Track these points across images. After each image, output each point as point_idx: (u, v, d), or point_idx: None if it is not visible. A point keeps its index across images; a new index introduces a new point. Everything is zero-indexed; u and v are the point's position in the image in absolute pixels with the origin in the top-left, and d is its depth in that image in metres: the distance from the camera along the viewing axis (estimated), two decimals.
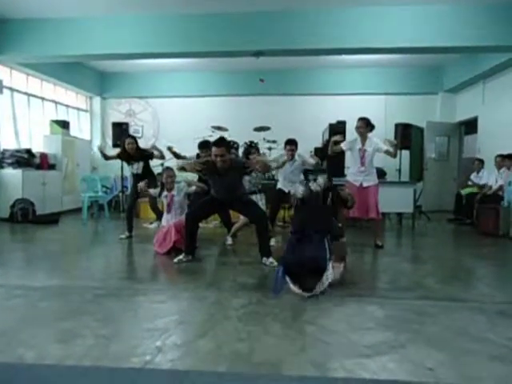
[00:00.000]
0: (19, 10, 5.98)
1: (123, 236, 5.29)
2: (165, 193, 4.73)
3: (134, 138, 5.51)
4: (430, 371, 1.86)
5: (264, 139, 7.68)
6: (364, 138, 4.72)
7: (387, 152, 4.66)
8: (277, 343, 2.15)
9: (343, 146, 4.81)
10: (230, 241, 5.01)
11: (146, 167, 5.49)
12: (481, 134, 7.93)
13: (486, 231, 5.77)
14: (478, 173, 7.23)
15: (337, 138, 4.80)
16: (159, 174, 6.67)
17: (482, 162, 7.21)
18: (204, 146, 5.19)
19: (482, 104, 7.80)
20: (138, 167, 5.42)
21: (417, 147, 7.91)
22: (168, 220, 4.66)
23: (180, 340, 2.19)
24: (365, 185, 4.70)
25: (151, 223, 6.25)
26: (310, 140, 7.47)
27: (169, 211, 4.69)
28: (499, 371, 1.87)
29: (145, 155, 5.46)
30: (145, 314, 2.65)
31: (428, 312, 2.63)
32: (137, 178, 5.42)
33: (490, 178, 6.81)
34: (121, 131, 7.35)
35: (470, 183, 7.33)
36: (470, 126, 8.59)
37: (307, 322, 2.45)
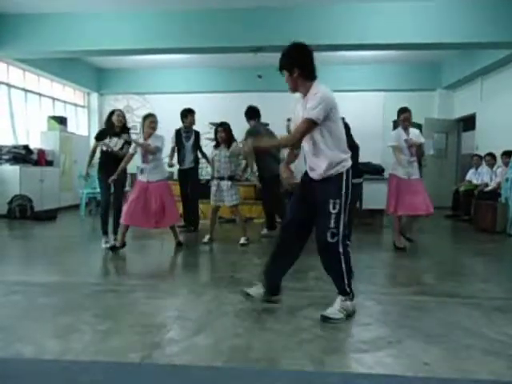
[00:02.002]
0: (16, 4, 5.92)
1: (106, 245, 4.42)
2: (141, 140, 4.27)
3: (123, 112, 4.79)
4: (426, 366, 1.87)
5: None
6: (407, 130, 4.56)
7: (420, 146, 4.55)
8: (274, 339, 2.16)
9: (394, 143, 4.56)
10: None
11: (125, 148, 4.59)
12: (478, 131, 7.94)
13: (483, 228, 5.80)
14: (476, 169, 7.25)
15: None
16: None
17: (480, 157, 7.23)
18: (187, 112, 5.42)
19: (480, 101, 7.81)
20: (117, 143, 4.49)
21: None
22: (145, 173, 4.23)
23: (178, 336, 2.20)
24: (413, 177, 4.51)
25: None
26: None
27: (145, 161, 4.25)
28: (494, 366, 1.88)
29: (129, 136, 4.63)
30: (143, 309, 2.66)
31: (425, 308, 2.65)
32: (109, 156, 4.48)
33: (487, 174, 6.87)
34: None
35: (467, 182, 7.35)
36: (468, 122, 8.60)
37: (304, 317, 2.46)
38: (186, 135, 5.47)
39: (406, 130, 4.56)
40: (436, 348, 2.05)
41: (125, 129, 4.68)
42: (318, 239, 2.41)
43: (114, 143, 4.49)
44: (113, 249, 4.21)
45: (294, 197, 2.66)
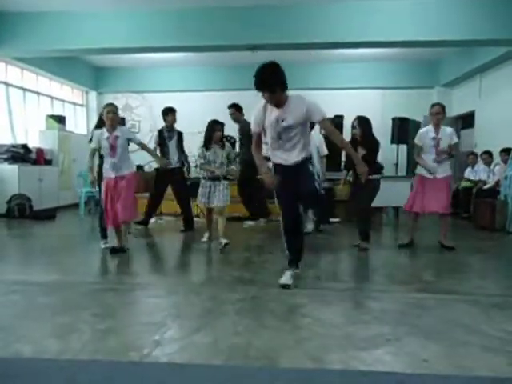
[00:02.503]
0: (14, 2, 5.90)
1: (106, 245, 4.37)
2: (106, 134, 3.95)
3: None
4: (425, 363, 1.87)
5: None
6: (438, 127, 4.30)
7: (452, 146, 4.31)
8: (273, 337, 2.16)
9: (416, 141, 4.43)
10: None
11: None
12: (477, 129, 7.93)
13: (482, 225, 5.80)
14: (472, 167, 7.26)
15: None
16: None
17: (476, 156, 7.25)
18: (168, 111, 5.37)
19: (479, 98, 7.80)
20: None
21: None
22: (114, 168, 3.97)
23: (177, 334, 2.20)
24: (439, 176, 4.30)
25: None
26: None
27: (113, 155, 3.93)
28: (492, 362, 1.89)
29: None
30: (142, 308, 2.66)
31: (424, 305, 2.65)
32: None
33: (484, 172, 6.88)
34: None
35: (464, 179, 7.37)
36: (467, 120, 8.59)
37: (303, 315, 2.46)
38: (168, 135, 5.41)
39: (437, 126, 4.29)
40: (435, 345, 2.05)
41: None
42: (310, 193, 2.93)
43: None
44: (112, 251, 4.12)
45: (281, 188, 2.94)
